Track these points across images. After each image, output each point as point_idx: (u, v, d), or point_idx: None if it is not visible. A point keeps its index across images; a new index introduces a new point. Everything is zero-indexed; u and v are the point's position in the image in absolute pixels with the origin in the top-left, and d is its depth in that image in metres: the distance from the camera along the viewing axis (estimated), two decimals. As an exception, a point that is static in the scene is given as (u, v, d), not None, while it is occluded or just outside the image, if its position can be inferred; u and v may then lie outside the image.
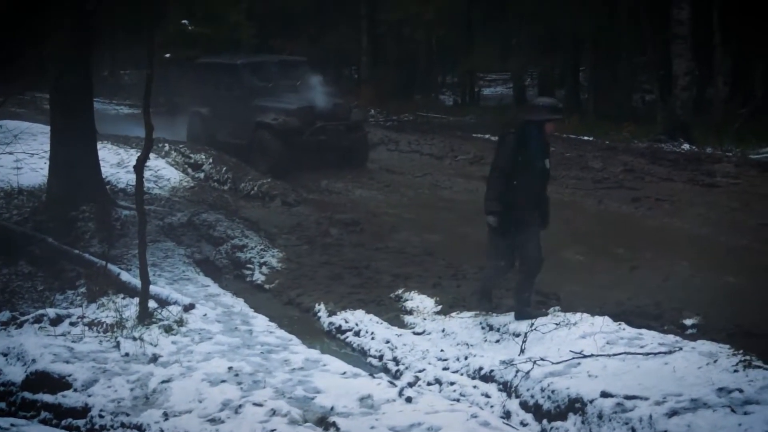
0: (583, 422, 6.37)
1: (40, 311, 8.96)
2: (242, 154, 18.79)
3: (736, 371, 6.53)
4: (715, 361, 6.78)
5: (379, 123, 27.06)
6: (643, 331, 7.91)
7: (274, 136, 18.23)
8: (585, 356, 7.22)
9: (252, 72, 20.24)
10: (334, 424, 6.20)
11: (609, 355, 7.21)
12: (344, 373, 7.34)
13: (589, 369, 6.99)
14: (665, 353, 7.09)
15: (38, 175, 13.67)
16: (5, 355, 7.77)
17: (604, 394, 6.34)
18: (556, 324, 8.17)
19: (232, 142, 19.39)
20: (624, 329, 7.90)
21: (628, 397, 6.24)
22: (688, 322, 8.78)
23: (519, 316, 8.60)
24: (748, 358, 6.76)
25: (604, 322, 8.10)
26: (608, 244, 12.20)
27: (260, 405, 6.51)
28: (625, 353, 7.21)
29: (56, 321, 8.69)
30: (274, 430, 6.13)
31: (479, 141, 22.77)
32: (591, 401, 6.37)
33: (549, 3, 30.19)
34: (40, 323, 8.67)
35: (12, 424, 6.30)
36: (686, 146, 21.52)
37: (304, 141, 18.14)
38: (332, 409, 6.47)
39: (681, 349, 7.18)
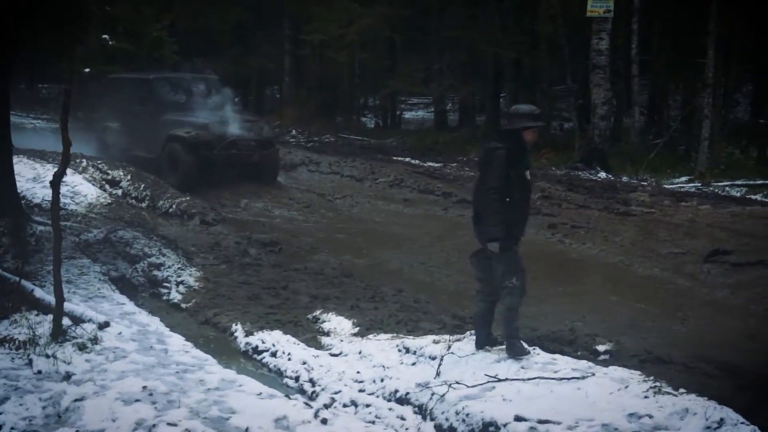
0: (497, 445, 6.45)
1: (-49, 327, 8.78)
2: (152, 168, 18.87)
3: (646, 397, 6.68)
4: (627, 387, 6.92)
5: (301, 144, 27.10)
6: (557, 356, 8.05)
7: (185, 148, 18.39)
8: (500, 380, 7.31)
9: (164, 86, 20.51)
10: (249, 444, 6.20)
11: (523, 380, 7.30)
12: (260, 393, 7.33)
13: (503, 393, 7.07)
14: (578, 378, 7.22)
15: (-49, 189, 13.41)
16: None
17: (518, 418, 6.42)
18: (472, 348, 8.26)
19: (143, 156, 19.44)
20: (538, 354, 8.02)
21: (541, 422, 6.34)
22: (600, 348, 8.93)
23: (514, 353, 7.88)
24: (658, 384, 6.93)
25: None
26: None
27: (174, 425, 6.47)
28: (538, 378, 7.31)
29: (-33, 337, 8.52)
30: (189, 450, 6.10)
31: (400, 164, 22.95)
32: (505, 425, 6.45)
33: (471, 29, 30.58)
34: (-50, 339, 8.49)
35: None
36: (603, 174, 21.97)
37: (215, 155, 18.43)
38: (247, 430, 6.46)
39: (594, 374, 7.32)
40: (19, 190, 13.15)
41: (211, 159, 18.40)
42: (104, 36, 29.13)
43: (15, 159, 13.00)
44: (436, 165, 23.36)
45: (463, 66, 34.06)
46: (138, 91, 20.31)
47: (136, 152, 19.75)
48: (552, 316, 10.17)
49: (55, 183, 8.85)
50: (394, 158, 24.40)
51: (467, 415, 6.75)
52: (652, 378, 7.17)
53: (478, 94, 35.50)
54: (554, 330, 9.57)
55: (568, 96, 29.58)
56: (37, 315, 9.19)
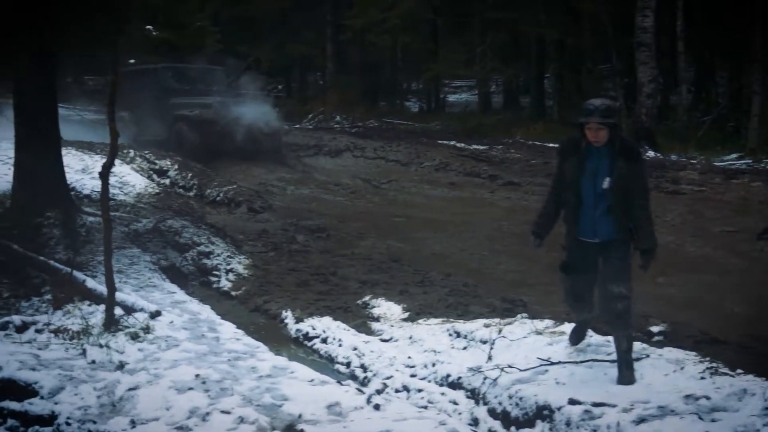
0: (550, 429, 6.39)
1: (6, 318, 8.85)
2: (162, 148, 20.04)
3: (702, 378, 6.59)
4: (682, 369, 6.84)
5: (345, 129, 27.11)
6: (610, 338, 7.96)
7: (191, 126, 20.22)
8: (552, 363, 7.25)
9: (171, 75, 22.37)
10: (302, 431, 6.20)
11: (576, 362, 7.25)
12: (312, 380, 7.32)
13: (556, 376, 7.02)
14: (633, 360, 7.14)
15: (2, 182, 13.55)
16: (-30, 362, 7.68)
17: (572, 401, 6.37)
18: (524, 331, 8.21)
19: (152, 140, 20.75)
20: (591, 336, 7.94)
21: (595, 404, 6.27)
22: (654, 329, 8.80)
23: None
24: (714, 365, 6.83)
25: (570, 329, 8.15)
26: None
27: (228, 413, 6.48)
28: (592, 360, 7.25)
29: (22, 328, 8.60)
30: (242, 437, 6.11)
31: (445, 147, 22.87)
32: (559, 408, 6.40)
33: (514, 10, 30.38)
34: (5, 330, 8.56)
35: (-23, 433, 6.24)
36: (651, 153, 21.72)
37: (219, 131, 19.86)
38: (300, 416, 6.45)
39: (648, 356, 7.24)
40: (68, 182, 13.24)
41: (215, 135, 19.84)
42: (147, 27, 29.39)
43: (63, 151, 13.07)
44: (482, 148, 23.25)
45: (506, 47, 33.89)
46: (146, 80, 21.66)
47: (146, 136, 21.09)
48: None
49: (104, 174, 8.90)
50: (439, 142, 24.31)
51: (520, 398, 6.70)
52: (708, 359, 7.07)
53: (521, 76, 35.29)
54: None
55: (613, 75, 29.29)
56: (89, 305, 9.27)
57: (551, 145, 23.20)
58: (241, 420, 6.35)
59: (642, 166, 7.00)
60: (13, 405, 6.97)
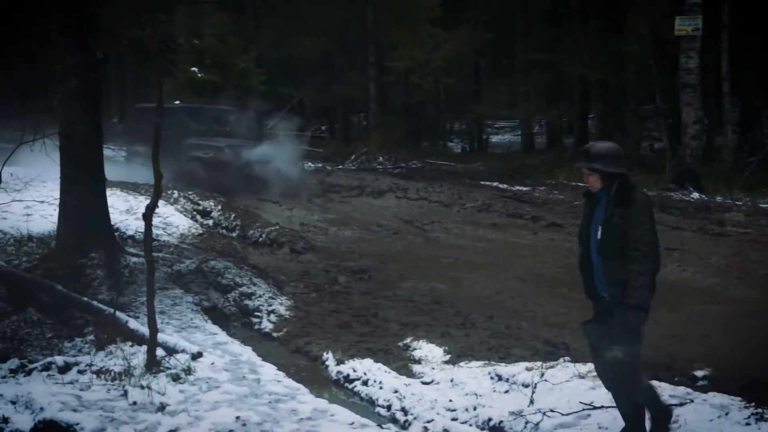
0: (593, 475, 6.31)
1: (49, 359, 8.91)
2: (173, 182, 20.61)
3: (748, 424, 6.50)
4: (727, 414, 6.74)
5: (387, 170, 27.15)
6: (654, 382, 7.85)
7: (204, 167, 21.44)
8: (595, 408, 7.17)
9: (187, 115, 23.13)
10: (342, 475, 6.18)
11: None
12: (352, 423, 7.30)
13: (599, 421, 6.94)
14: (676, 405, 7.04)
15: (48, 222, 13.71)
16: (14, 403, 7.73)
17: (615, 447, 6.29)
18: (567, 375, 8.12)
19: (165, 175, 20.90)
20: (634, 380, 7.84)
21: (638, 450, 6.19)
22: (699, 373, 8.66)
23: None
24: (760, 410, 6.72)
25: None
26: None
27: (268, 455, 6.48)
28: (635, 405, 7.15)
29: (64, 369, 8.65)
30: (282, 481, 6.09)
31: (487, 188, 22.83)
32: (601, 454, 6.32)
33: (557, 52, 30.41)
34: (48, 371, 8.62)
35: (19, 474, 6.26)
36: (696, 195, 21.56)
37: (230, 174, 21.19)
38: (341, 460, 6.44)
39: (692, 401, 7.14)
40: (112, 222, 13.37)
41: (225, 177, 21.04)
42: (193, 68, 29.79)
43: (108, 191, 13.22)
44: (525, 189, 23.19)
45: (549, 88, 33.90)
46: (164, 119, 21.74)
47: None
48: (648, 341, 9.90)
49: (148, 215, 8.97)
50: (482, 183, 24.27)
51: (564, 443, 6.64)
52: (753, 404, 6.95)
53: (565, 116, 35.24)
54: (650, 355, 9.31)
55: (657, 116, 29.17)
56: (131, 346, 9.31)
57: (595, 185, 23.08)
58: (281, 463, 6.34)
59: (637, 212, 6.30)
60: (55, 446, 7.01)
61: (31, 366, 8.84)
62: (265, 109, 27.41)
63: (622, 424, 6.78)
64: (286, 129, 23.86)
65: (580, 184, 22.75)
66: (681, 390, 7.59)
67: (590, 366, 8.42)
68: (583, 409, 7.16)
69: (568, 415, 7.04)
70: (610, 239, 6.34)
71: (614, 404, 7.22)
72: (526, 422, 7.16)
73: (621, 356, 6.33)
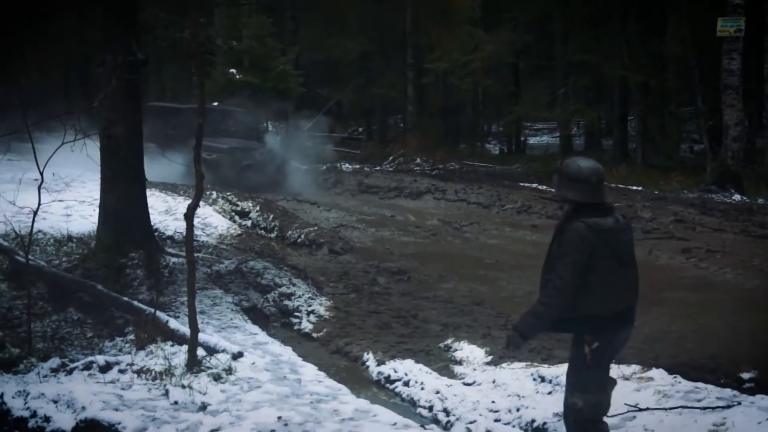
0: (639, 478, 6.22)
1: (90, 358, 8.92)
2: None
3: (796, 427, 6.37)
4: (775, 417, 6.62)
5: (425, 172, 27.10)
6: (700, 384, 7.75)
7: (207, 168, 20.48)
8: (641, 409, 7.07)
9: (194, 115, 22.53)
10: (384, 476, 6.12)
11: (665, 409, 7.05)
12: (395, 424, 7.24)
13: (645, 423, 6.84)
14: (723, 407, 6.93)
15: (88, 222, 13.76)
16: (55, 402, 7.73)
17: (662, 450, 6.19)
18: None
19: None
20: (680, 382, 7.74)
21: (686, 453, 6.09)
22: (745, 375, 8.54)
23: None
24: (808, 413, 6.59)
25: (659, 375, 7.95)
26: (660, 295, 11.97)
27: (310, 456, 6.43)
28: (682, 407, 7.05)
29: (105, 368, 8.65)
30: (325, 482, 6.05)
31: (526, 190, 22.74)
32: (648, 456, 6.22)
33: (597, 53, 30.22)
34: (89, 370, 8.63)
35: (61, 472, 6.26)
36: (737, 197, 21.35)
37: (232, 175, 21.99)
38: (383, 460, 6.38)
39: (740, 403, 7.02)
40: (152, 223, 13.41)
41: (228, 178, 21.69)
42: (231, 70, 29.90)
43: (148, 192, 13.26)
44: (564, 190, 22.99)
45: (588, 90, 33.69)
46: (172, 118, 23.28)
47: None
48: (692, 343, 9.81)
49: (189, 216, 8.96)
50: (521, 184, 24.19)
51: (609, 446, 6.53)
52: (801, 407, 6.83)
53: (604, 118, 35.01)
54: (695, 357, 9.21)
55: (697, 117, 28.90)
56: (172, 346, 9.30)
57: (634, 188, 22.96)
58: (324, 463, 6.29)
59: (565, 243, 5.70)
60: (97, 445, 7.01)
61: (72, 365, 8.85)
62: (276, 111, 28.71)
63: (668, 426, 6.72)
64: (320, 130, 24.28)
65: (620, 185, 22.66)
66: (727, 392, 7.47)
67: (634, 367, 8.37)
68: (628, 411, 7.06)
69: (613, 416, 6.91)
70: (546, 268, 5.91)
71: (659, 407, 7.15)
72: (571, 424, 7.05)
73: (578, 403, 5.87)
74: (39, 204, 9.84)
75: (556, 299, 5.72)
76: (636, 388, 7.71)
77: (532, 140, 41.91)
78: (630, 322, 5.86)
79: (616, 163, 28.26)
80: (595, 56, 30.36)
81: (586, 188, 5.68)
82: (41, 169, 9.67)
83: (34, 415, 7.56)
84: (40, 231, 13.38)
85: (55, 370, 8.74)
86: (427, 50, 34.88)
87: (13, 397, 7.80)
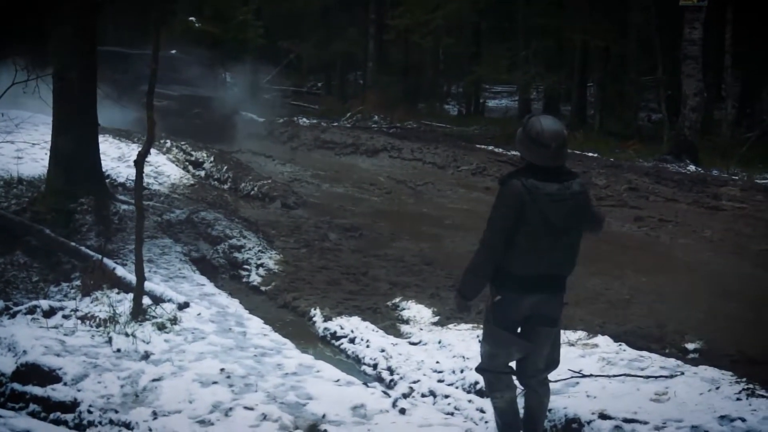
0: (579, 443, 6.25)
1: (34, 302, 8.83)
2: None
3: (738, 399, 6.43)
4: (718, 388, 6.68)
5: (383, 129, 26.97)
6: (644, 353, 7.81)
7: (156, 115, 20.76)
8: (584, 376, 7.12)
9: (144, 61, 22.16)
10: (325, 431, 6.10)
11: (609, 376, 7.11)
12: (338, 380, 7.23)
13: (587, 389, 6.88)
14: (666, 377, 6.99)
15: (38, 166, 13.59)
16: (-4, 345, 7.65)
17: (603, 416, 6.23)
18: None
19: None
20: (625, 350, 7.80)
21: (627, 420, 6.13)
22: (690, 346, 8.61)
23: None
24: (751, 386, 6.65)
25: (604, 342, 8.00)
26: (609, 263, 12.05)
27: (251, 409, 6.41)
28: (625, 375, 7.10)
29: (49, 313, 8.57)
30: (265, 435, 6.02)
31: (483, 152, 22.71)
32: (588, 422, 6.26)
33: (560, 18, 30.18)
34: (33, 314, 8.54)
35: (-1, 416, 6.17)
36: (692, 167, 21.47)
37: (181, 122, 21.64)
38: (324, 416, 6.37)
39: (683, 373, 7.09)
40: (104, 169, 13.24)
41: (177, 124, 21.20)
42: (191, 18, 29.50)
43: (101, 138, 13.07)
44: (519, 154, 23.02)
45: (549, 54, 33.65)
46: (123, 65, 23.03)
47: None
48: (639, 312, 9.88)
49: (139, 162, 8.86)
50: (477, 146, 24.14)
51: (550, 410, 6.51)
52: (744, 379, 6.88)
53: (564, 83, 35.03)
54: (641, 326, 9.26)
55: (656, 87, 29.00)
56: (118, 293, 9.22)
57: (590, 154, 23.01)
58: (264, 417, 6.29)
59: (498, 194, 5.73)
60: (36, 390, 6.93)
61: (16, 309, 8.77)
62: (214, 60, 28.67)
63: (611, 393, 6.77)
64: (278, 83, 24.05)
65: (577, 152, 22.68)
66: (672, 362, 7.54)
67: (580, 333, 8.43)
68: (572, 377, 7.11)
69: (555, 382, 6.93)
70: None
71: (602, 374, 7.19)
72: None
73: (480, 352, 6.03)
74: (-14, 144, 9.68)
75: (483, 254, 5.72)
76: (581, 355, 7.75)
77: (492, 103, 41.81)
78: (552, 292, 5.77)
79: (573, 129, 28.33)
80: (558, 20, 30.32)
81: (545, 152, 5.52)
82: (-10, 109, 9.51)
83: (-27, 357, 7.46)
84: (-10, 172, 13.22)
85: (-3, 313, 8.63)
86: (389, 6, 34.64)
87: (-48, 339, 7.69)
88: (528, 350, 5.79)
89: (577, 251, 5.75)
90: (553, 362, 5.98)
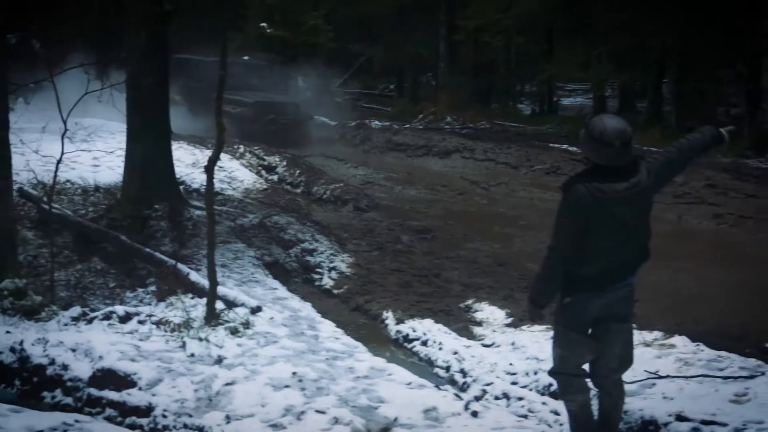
0: (656, 446, 6.13)
1: (110, 308, 8.95)
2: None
3: (821, 400, 6.24)
4: (800, 389, 6.49)
5: (455, 130, 26.87)
6: (723, 353, 7.62)
7: (230, 121, 20.50)
8: (660, 377, 6.97)
9: (215, 69, 22.70)
10: (396, 435, 6.08)
11: (686, 377, 6.95)
12: (410, 383, 7.19)
13: (664, 390, 6.74)
14: (746, 377, 6.82)
15: (114, 173, 13.77)
16: (74, 350, 7.73)
17: (680, 418, 6.08)
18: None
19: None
20: (703, 350, 7.63)
21: (705, 422, 5.97)
22: (771, 346, 8.41)
23: None
24: (833, 386, 6.46)
25: (681, 342, 7.84)
26: (688, 261, 11.80)
27: (323, 412, 6.40)
28: (703, 375, 6.94)
29: (125, 318, 8.67)
30: (336, 439, 6.02)
31: (556, 151, 22.47)
32: (665, 424, 6.12)
33: (635, 14, 29.72)
34: (109, 320, 8.65)
35: (76, 420, 6.23)
36: (773, 163, 21.00)
37: (255, 129, 22.02)
38: (396, 420, 6.34)
39: (764, 374, 6.89)
40: (178, 176, 13.40)
41: (251, 131, 21.67)
42: (262, 24, 29.77)
43: (175, 144, 13.26)
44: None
45: (624, 51, 33.19)
46: (196, 72, 22.83)
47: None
48: (718, 310, 9.65)
49: (209, 168, 8.92)
50: (551, 145, 23.89)
51: (625, 412, 6.38)
52: (827, 380, 6.69)
53: (639, 80, 34.53)
54: (721, 325, 9.05)
55: (736, 81, 28.43)
56: (192, 298, 9.32)
57: (667, 151, 22.59)
58: (336, 421, 6.27)
59: (562, 200, 5.56)
60: (112, 395, 7.04)
61: (93, 315, 8.88)
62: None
63: (688, 394, 6.62)
64: (350, 86, 24.13)
65: (653, 148, 22.29)
66: (752, 362, 7.34)
67: (656, 334, 8.27)
68: (648, 378, 6.96)
69: (632, 383, 6.81)
70: None
71: (679, 374, 7.04)
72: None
73: (552, 355, 5.92)
74: (62, 153, 9.85)
75: (552, 261, 5.64)
76: (657, 355, 7.61)
77: (566, 101, 41.37)
78: (623, 288, 5.66)
79: (649, 126, 27.90)
80: (634, 15, 29.88)
81: (609, 152, 5.34)
82: (64, 118, 9.67)
83: (52, 362, 7.60)
84: (68, 181, 13.43)
85: (75, 319, 8.77)
86: (460, 7, 34.47)
87: (32, 345, 7.83)
88: (599, 352, 5.67)
89: (649, 234, 5.61)
90: (627, 361, 5.83)
